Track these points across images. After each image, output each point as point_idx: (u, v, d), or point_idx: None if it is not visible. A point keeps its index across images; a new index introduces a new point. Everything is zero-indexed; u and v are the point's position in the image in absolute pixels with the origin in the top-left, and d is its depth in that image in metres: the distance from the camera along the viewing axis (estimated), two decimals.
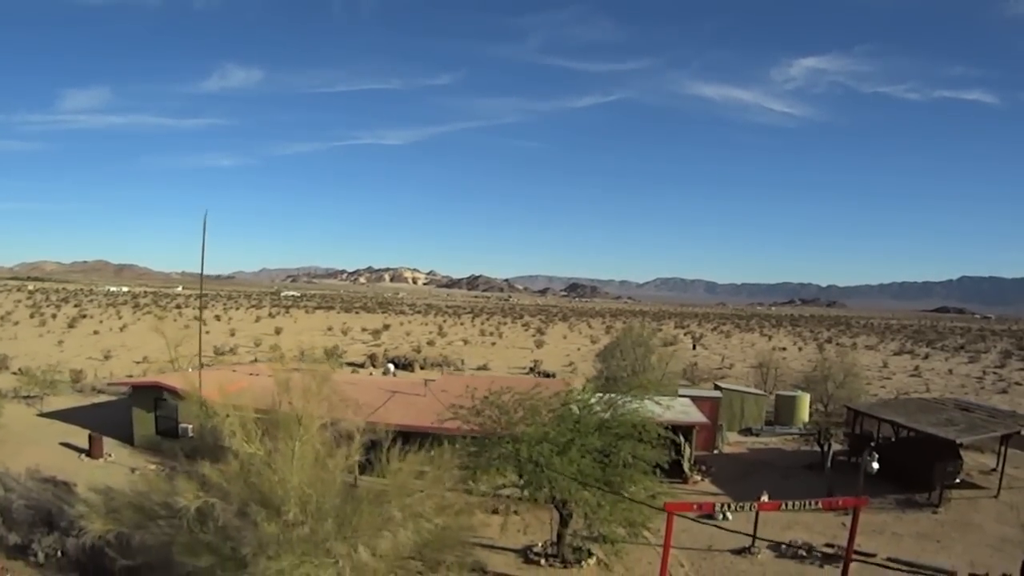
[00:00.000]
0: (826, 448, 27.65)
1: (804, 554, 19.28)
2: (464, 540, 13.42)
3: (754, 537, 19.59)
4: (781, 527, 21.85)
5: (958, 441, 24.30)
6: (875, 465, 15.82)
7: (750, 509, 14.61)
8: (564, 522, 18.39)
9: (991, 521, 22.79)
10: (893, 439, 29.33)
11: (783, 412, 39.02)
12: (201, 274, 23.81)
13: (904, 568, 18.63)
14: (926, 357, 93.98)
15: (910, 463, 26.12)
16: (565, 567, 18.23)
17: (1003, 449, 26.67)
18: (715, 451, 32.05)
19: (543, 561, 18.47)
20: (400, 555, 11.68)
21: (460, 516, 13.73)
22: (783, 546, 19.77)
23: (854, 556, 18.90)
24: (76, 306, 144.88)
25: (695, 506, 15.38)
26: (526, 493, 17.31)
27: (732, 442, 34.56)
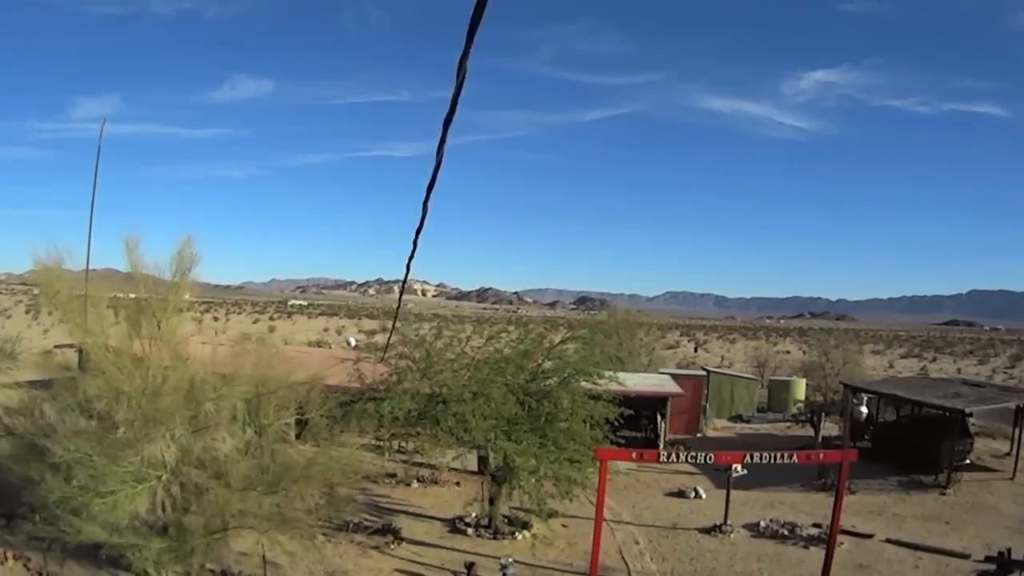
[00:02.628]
0: (816, 422, 24.58)
1: (786, 533, 16.24)
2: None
3: (726, 514, 16.62)
4: (763, 507, 18.84)
5: (967, 411, 21.21)
6: (863, 409, 12.78)
7: (707, 461, 11.68)
8: (497, 489, 15.65)
9: (1007, 502, 19.68)
10: (895, 418, 26.22)
11: (777, 398, 35.89)
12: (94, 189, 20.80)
13: (908, 549, 15.60)
14: (934, 360, 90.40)
15: (914, 442, 23.04)
16: (495, 538, 15.54)
17: (1017, 432, 23.49)
18: (698, 435, 28.96)
19: (471, 531, 15.87)
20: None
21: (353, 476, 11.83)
22: (761, 524, 16.72)
23: (846, 535, 15.94)
24: None
25: (634, 454, 12.45)
26: (447, 448, 14.70)
27: (719, 427, 31.48)
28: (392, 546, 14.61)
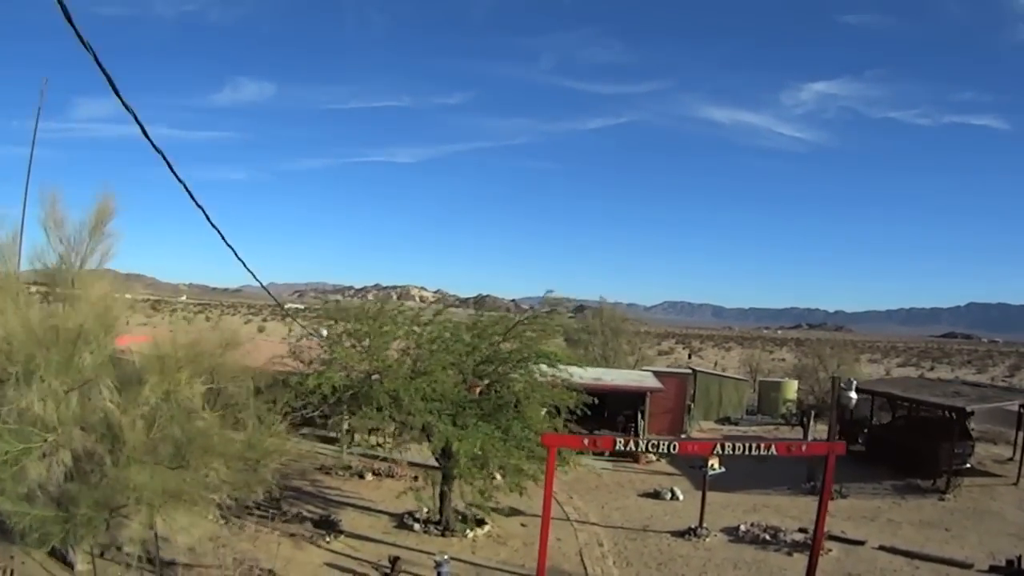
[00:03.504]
0: (805, 422, 23.00)
1: (768, 538, 14.59)
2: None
3: (701, 516, 14.99)
4: (745, 510, 17.19)
5: (968, 409, 19.61)
6: (852, 395, 11.08)
7: (671, 450, 10.01)
8: (448, 484, 14.05)
9: (1012, 508, 18.03)
10: (890, 420, 24.62)
11: (767, 400, 34.24)
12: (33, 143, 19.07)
13: (904, 557, 13.97)
14: (931, 369, 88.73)
15: (911, 445, 21.41)
16: (444, 535, 14.01)
17: (1021, 435, 21.86)
18: (683, 436, 27.27)
19: (418, 526, 14.34)
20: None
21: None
22: (741, 529, 15.07)
23: (835, 541, 14.30)
24: None
25: (585, 440, 10.80)
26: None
27: (706, 429, 29.82)
28: (328, 539, 13.29)
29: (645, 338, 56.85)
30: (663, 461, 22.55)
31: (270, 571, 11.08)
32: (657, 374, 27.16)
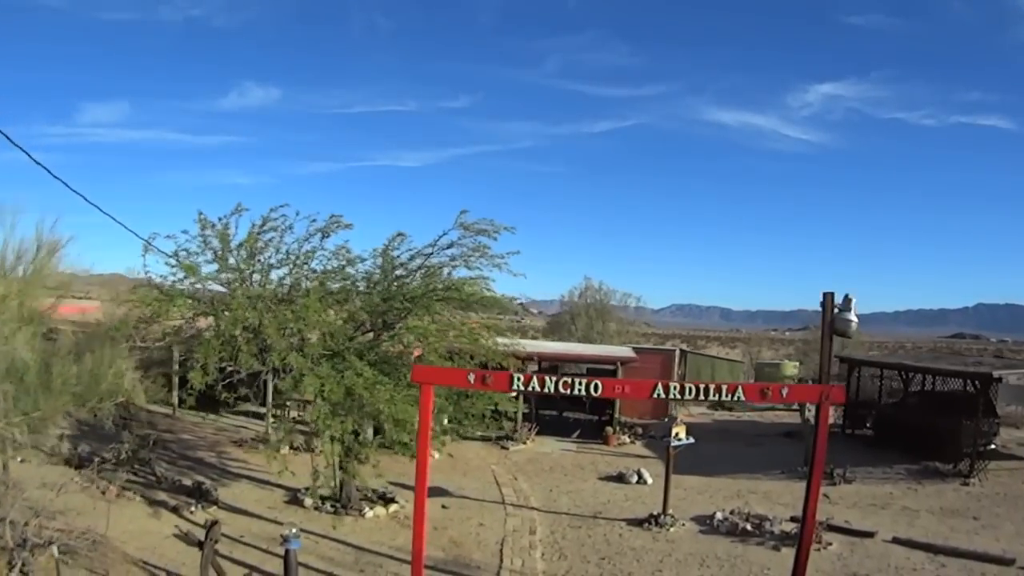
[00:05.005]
0: (807, 406, 19.86)
1: (749, 529, 11.46)
2: None
3: (665, 500, 11.91)
4: (726, 496, 14.12)
5: (996, 375, 16.47)
6: (852, 318, 7.74)
7: (592, 391, 6.85)
8: (346, 456, 11.21)
9: None
10: (901, 396, 21.46)
11: (764, 380, 31.02)
12: None
13: (924, 551, 10.85)
14: None
15: (927, 423, 18.27)
16: (336, 513, 11.45)
17: None
18: (666, 419, 24.14)
19: (310, 502, 11.78)
20: None
21: None
22: (716, 517, 11.95)
23: (837, 533, 11.23)
24: None
25: (471, 375, 7.69)
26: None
27: (695, 413, 26.67)
28: (193, 510, 11.12)
29: (650, 339, 53.69)
30: (638, 443, 19.51)
31: (101, 536, 8.85)
32: (638, 350, 24.05)
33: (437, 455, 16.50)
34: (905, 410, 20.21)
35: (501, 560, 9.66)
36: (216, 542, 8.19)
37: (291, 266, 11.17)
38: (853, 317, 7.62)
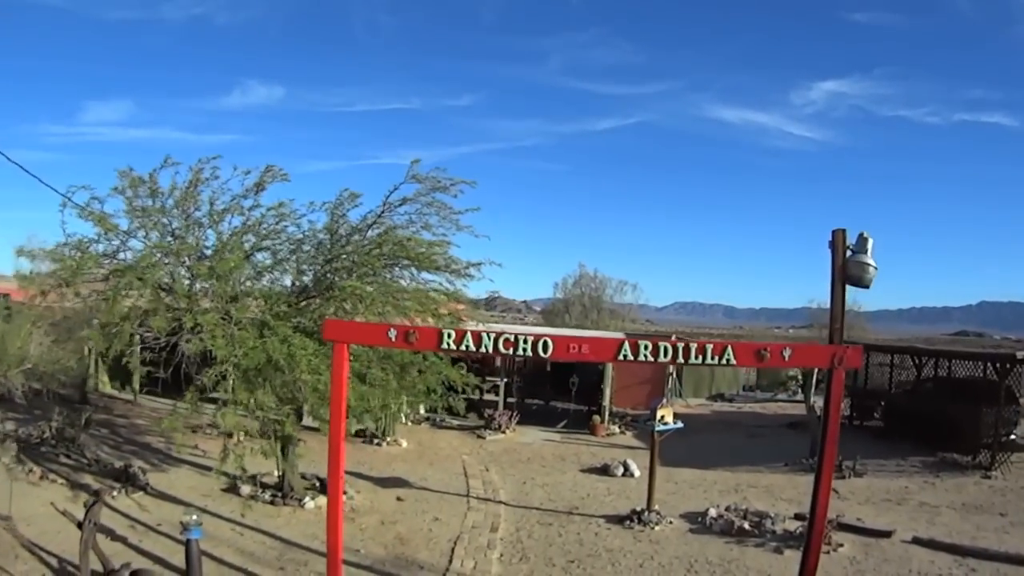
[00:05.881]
0: (807, 387, 18.41)
1: (748, 528, 9.93)
2: None
3: (650, 494, 10.40)
4: (722, 490, 12.63)
5: (1020, 355, 14.96)
6: (869, 261, 6.06)
7: (539, 350, 5.34)
8: (290, 438, 9.84)
9: None
10: (913, 383, 19.92)
11: (766, 375, 29.53)
12: None
13: (950, 554, 9.33)
14: None
15: (942, 412, 16.72)
16: (274, 502, 10.16)
17: None
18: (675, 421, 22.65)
19: (248, 490, 10.50)
20: None
21: None
22: (710, 514, 10.42)
23: (849, 533, 9.74)
24: None
25: (392, 332, 6.19)
26: None
27: (693, 405, 25.13)
28: (115, 495, 10.01)
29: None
30: (628, 434, 18.02)
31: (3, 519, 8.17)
32: (629, 335, 22.50)
33: (404, 443, 15.10)
34: (918, 398, 18.66)
35: (450, 561, 8.18)
36: (95, 524, 6.90)
37: (213, 222, 9.67)
38: (870, 260, 6.07)
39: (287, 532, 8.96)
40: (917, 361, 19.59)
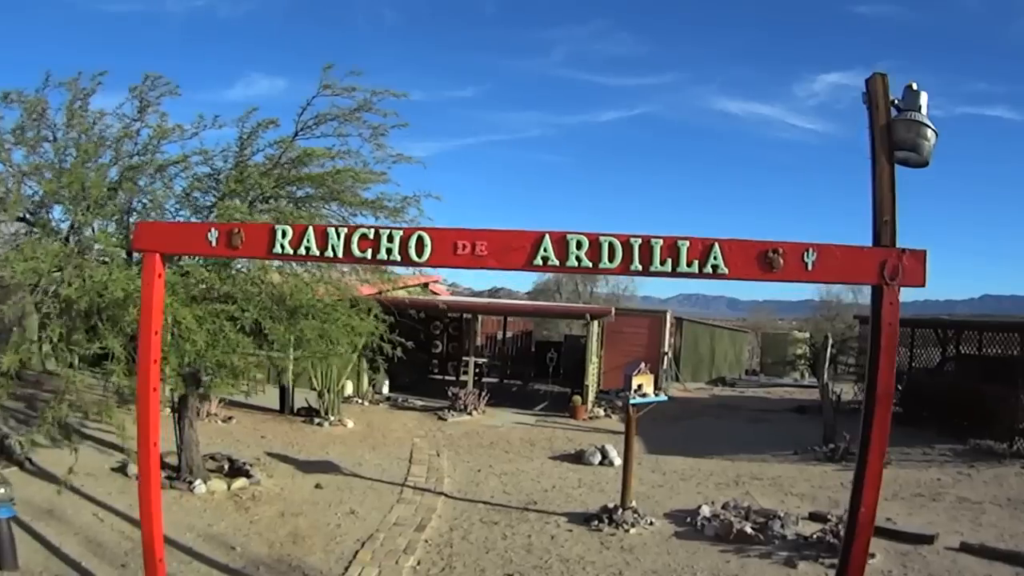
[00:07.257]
0: (818, 365, 16.35)
1: (750, 532, 7.74)
2: None
3: (624, 487, 8.26)
4: (719, 483, 10.50)
5: None
6: (928, 126, 3.87)
7: (410, 251, 3.33)
8: (185, 410, 8.36)
9: None
10: (938, 362, 17.77)
11: (772, 357, 27.36)
12: None
13: (1010, 565, 7.18)
14: None
15: (972, 393, 14.59)
16: (172, 484, 8.31)
17: None
18: (659, 390, 20.55)
19: (135, 470, 8.34)
20: None
21: None
22: (703, 512, 8.25)
23: (880, 538, 7.54)
24: None
25: (212, 236, 4.13)
26: None
27: (691, 389, 23.01)
28: None
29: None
30: (614, 417, 15.85)
31: None
32: (621, 311, 20.38)
33: (351, 424, 13.12)
34: (944, 378, 16.51)
35: (347, 569, 6.06)
36: None
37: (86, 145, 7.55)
38: (927, 120, 3.71)
39: (163, 520, 6.96)
40: (941, 335, 17.41)
